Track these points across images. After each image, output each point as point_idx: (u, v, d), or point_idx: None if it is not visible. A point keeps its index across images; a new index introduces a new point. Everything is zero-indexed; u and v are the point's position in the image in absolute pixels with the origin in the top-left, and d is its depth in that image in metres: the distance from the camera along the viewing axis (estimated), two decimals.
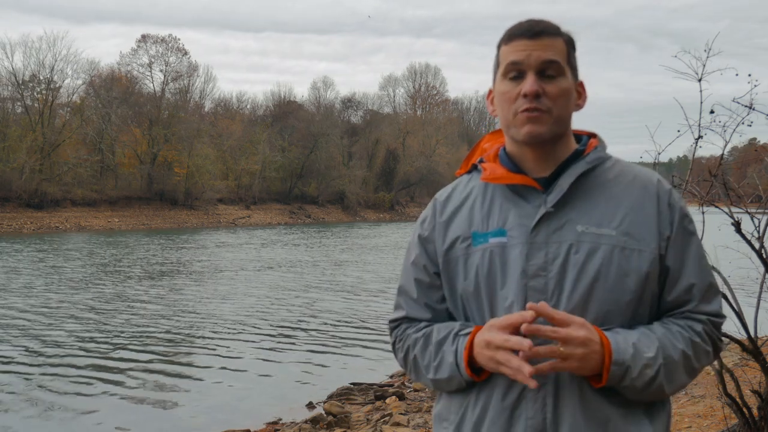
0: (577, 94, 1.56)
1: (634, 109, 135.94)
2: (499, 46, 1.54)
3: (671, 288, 1.49)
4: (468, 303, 1.53)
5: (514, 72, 1.49)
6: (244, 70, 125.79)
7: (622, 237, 1.45)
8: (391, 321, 1.67)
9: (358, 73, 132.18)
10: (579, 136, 1.61)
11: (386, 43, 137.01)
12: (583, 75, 1.59)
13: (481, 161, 1.62)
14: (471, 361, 1.46)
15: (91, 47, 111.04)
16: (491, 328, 1.42)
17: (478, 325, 1.49)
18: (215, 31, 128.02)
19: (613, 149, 1.60)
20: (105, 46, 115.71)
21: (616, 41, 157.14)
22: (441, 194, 1.66)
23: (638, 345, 1.40)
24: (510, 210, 1.52)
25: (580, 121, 1.59)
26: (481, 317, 1.51)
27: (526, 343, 1.35)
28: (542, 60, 1.47)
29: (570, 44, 1.53)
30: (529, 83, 1.46)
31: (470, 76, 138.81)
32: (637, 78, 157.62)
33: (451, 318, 1.59)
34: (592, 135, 1.61)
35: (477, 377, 1.47)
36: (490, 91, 1.59)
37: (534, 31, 1.48)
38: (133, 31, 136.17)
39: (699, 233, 1.58)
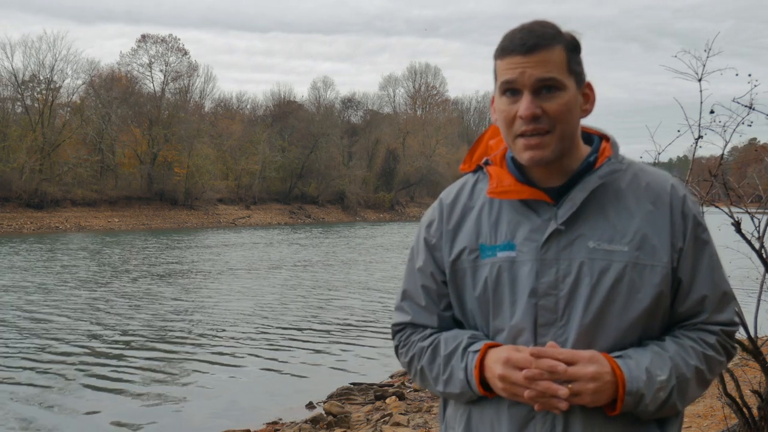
0: (584, 98, 1.48)
1: (638, 109, 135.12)
2: (494, 58, 1.45)
3: (683, 300, 1.46)
4: (476, 314, 1.51)
5: (510, 90, 1.42)
6: (248, 70, 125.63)
7: (635, 252, 1.41)
8: (395, 324, 1.63)
9: (363, 73, 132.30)
10: (590, 135, 1.54)
11: (391, 43, 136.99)
12: (588, 76, 1.50)
13: (486, 162, 1.55)
14: (482, 379, 1.44)
15: (96, 47, 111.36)
16: (506, 365, 1.38)
17: (487, 342, 1.46)
18: (220, 31, 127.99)
19: None
20: (110, 46, 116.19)
21: (620, 41, 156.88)
22: (447, 195, 1.59)
23: (651, 369, 1.37)
24: (519, 222, 1.47)
25: (585, 121, 1.52)
26: (488, 331, 1.49)
27: (563, 391, 1.34)
28: (537, 78, 1.38)
29: (571, 48, 1.43)
30: (524, 106, 1.39)
31: (474, 76, 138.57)
32: (642, 78, 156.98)
33: (458, 324, 1.56)
34: (604, 136, 1.53)
35: (490, 394, 1.45)
36: (493, 98, 1.51)
37: (527, 45, 1.38)
38: (138, 31, 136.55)
39: None
